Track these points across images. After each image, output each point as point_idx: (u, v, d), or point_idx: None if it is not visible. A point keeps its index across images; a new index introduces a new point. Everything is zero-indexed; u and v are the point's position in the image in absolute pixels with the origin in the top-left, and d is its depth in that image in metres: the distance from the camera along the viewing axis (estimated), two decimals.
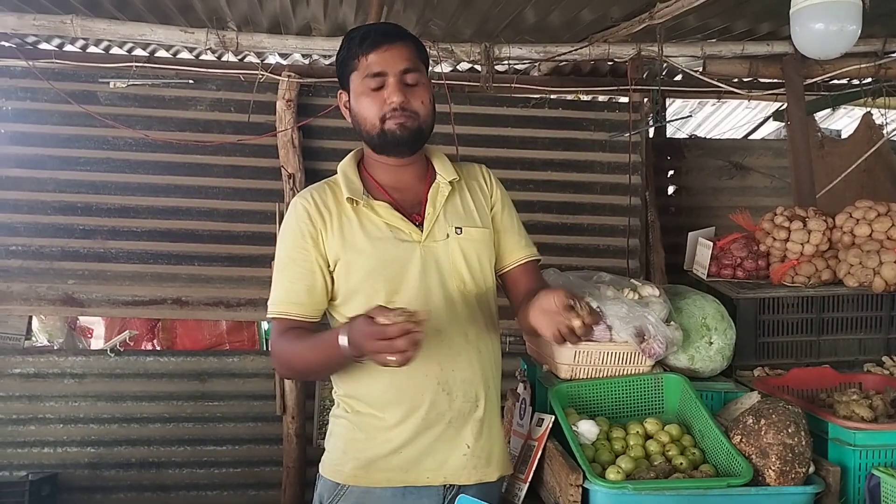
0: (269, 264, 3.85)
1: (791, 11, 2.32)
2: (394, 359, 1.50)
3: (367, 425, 1.88)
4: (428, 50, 3.39)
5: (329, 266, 1.83)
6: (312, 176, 3.94)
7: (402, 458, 1.86)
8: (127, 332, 3.92)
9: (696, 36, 3.91)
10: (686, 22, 3.52)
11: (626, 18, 3.43)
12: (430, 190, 1.92)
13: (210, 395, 3.98)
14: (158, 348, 4.00)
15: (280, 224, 3.82)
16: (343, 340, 1.58)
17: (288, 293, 1.83)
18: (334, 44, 3.63)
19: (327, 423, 3.13)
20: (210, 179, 3.95)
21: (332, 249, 1.82)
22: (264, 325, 3.98)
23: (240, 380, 4.01)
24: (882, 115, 4.13)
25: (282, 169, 3.89)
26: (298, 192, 3.77)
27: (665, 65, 3.77)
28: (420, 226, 1.87)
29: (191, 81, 3.94)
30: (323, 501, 1.94)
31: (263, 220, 3.95)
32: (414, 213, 1.90)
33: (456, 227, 1.91)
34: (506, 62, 3.75)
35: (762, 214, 2.91)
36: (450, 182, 1.93)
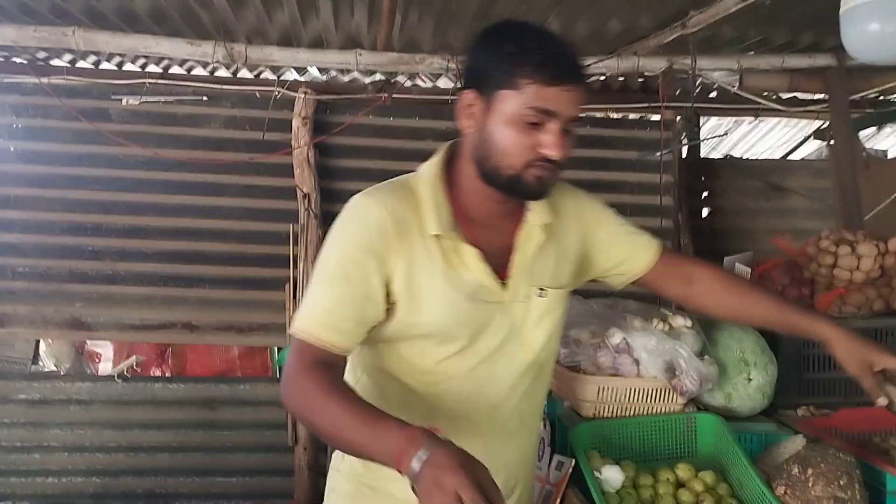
0: (283, 288, 3.79)
1: (841, 11, 2.10)
2: None
3: (384, 498, 1.60)
4: (447, 63, 3.19)
5: (388, 297, 1.49)
6: (328, 196, 3.80)
7: None
8: (135, 357, 3.79)
9: (733, 48, 3.70)
10: (721, 33, 3.32)
11: (657, 29, 3.24)
12: (521, 235, 1.60)
13: (220, 424, 3.82)
14: (167, 374, 3.86)
15: (293, 245, 3.77)
16: (415, 464, 1.16)
17: (332, 315, 1.45)
18: (347, 57, 3.49)
19: None
20: (223, 199, 3.82)
21: (399, 282, 1.48)
22: (276, 353, 3.81)
23: (251, 408, 3.84)
24: None
25: (297, 188, 3.74)
26: (313, 211, 3.72)
27: (699, 79, 3.56)
28: (505, 282, 1.56)
29: (204, 98, 3.82)
30: None
31: (277, 242, 3.80)
32: (500, 262, 1.57)
33: (540, 288, 1.61)
34: None
35: (804, 238, 2.69)
36: (542, 226, 1.61)
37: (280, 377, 3.68)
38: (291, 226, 3.76)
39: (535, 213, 1.58)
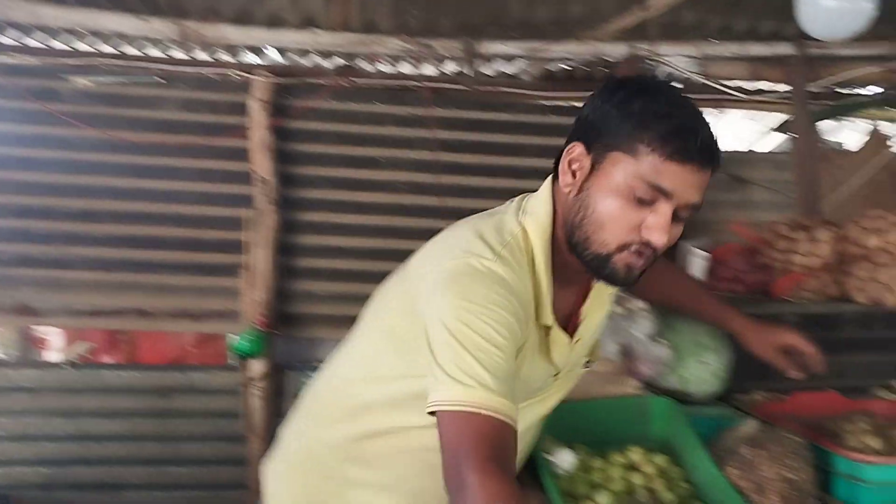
0: (239, 273, 3.71)
1: None
2: None
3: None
4: (405, 45, 3.13)
5: None
6: (286, 181, 3.72)
7: None
8: (85, 343, 3.68)
9: (694, 35, 3.69)
10: (682, 19, 3.31)
11: (618, 13, 3.22)
12: (584, 308, 1.48)
13: (173, 413, 3.73)
14: (119, 362, 3.77)
15: (249, 231, 3.68)
16: None
17: (502, 368, 1.20)
18: (305, 37, 3.42)
19: None
20: (178, 183, 3.72)
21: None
22: (232, 339, 3.73)
23: (205, 396, 3.75)
24: (891, 126, 3.91)
25: (253, 173, 3.66)
26: (271, 197, 3.64)
27: (660, 66, 3.54)
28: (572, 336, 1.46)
29: (160, 80, 3.73)
30: None
31: (234, 227, 3.72)
32: (564, 326, 1.46)
33: (587, 361, 1.57)
34: (491, 62, 3.54)
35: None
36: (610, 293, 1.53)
37: (234, 365, 3.62)
38: (247, 211, 3.69)
39: (601, 287, 1.48)
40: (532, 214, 1.38)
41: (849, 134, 5.37)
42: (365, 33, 3.51)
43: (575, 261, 1.36)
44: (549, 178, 1.43)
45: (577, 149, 1.32)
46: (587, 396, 2.02)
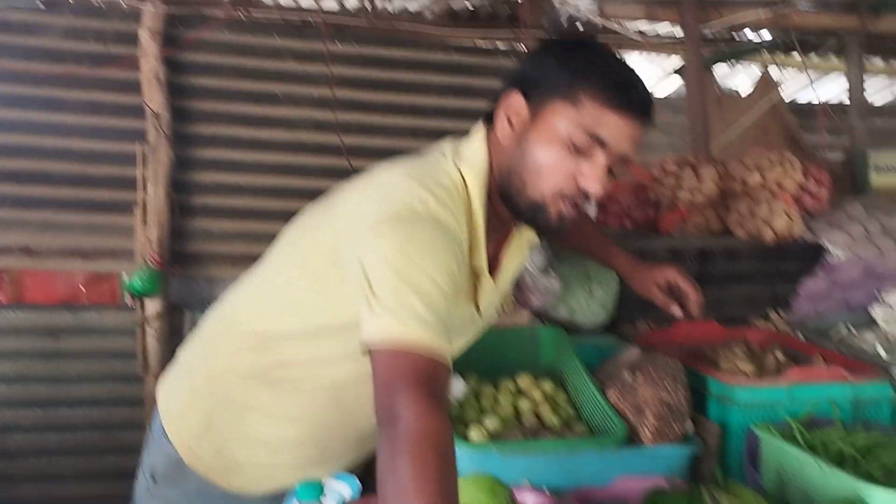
0: (132, 210, 3.59)
1: None
2: None
3: (249, 432, 1.57)
4: None
5: None
6: (180, 115, 3.60)
7: (265, 477, 1.61)
8: None
9: None
10: None
11: None
12: (505, 253, 1.51)
13: (64, 354, 3.62)
14: (4, 302, 3.62)
15: (142, 167, 3.56)
16: None
17: (440, 305, 1.22)
18: None
19: None
20: (64, 116, 3.55)
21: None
22: (125, 279, 3.62)
23: (98, 336, 3.66)
24: (780, 70, 4.06)
25: (145, 107, 3.53)
26: (163, 131, 3.52)
27: (560, 7, 3.56)
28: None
29: (41, 6, 3.52)
30: (158, 476, 1.65)
31: (125, 163, 3.58)
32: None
33: (502, 306, 1.67)
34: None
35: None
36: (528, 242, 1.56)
37: (127, 304, 3.53)
38: (140, 145, 3.56)
39: (521, 233, 1.51)
40: (468, 161, 1.39)
41: (742, 79, 5.55)
42: None
43: (504, 209, 1.39)
44: (481, 123, 1.43)
45: (516, 98, 1.33)
46: None
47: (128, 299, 3.64)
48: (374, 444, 1.59)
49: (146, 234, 3.54)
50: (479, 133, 1.42)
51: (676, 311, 1.81)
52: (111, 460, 3.65)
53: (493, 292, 1.50)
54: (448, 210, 1.30)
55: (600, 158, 1.28)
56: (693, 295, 1.84)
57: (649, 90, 1.32)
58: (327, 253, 1.35)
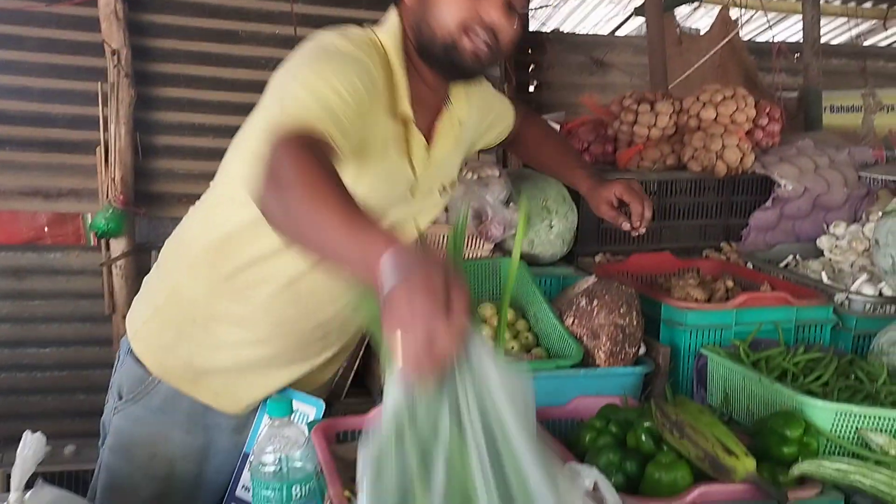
0: (93, 151, 3.57)
1: None
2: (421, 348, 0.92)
3: (217, 332, 1.64)
4: None
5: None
6: (140, 53, 3.56)
7: (238, 388, 1.68)
8: None
9: None
10: None
11: None
12: (439, 125, 1.59)
13: (29, 294, 3.63)
14: None
15: (102, 106, 3.52)
16: (386, 263, 0.96)
17: (332, 101, 1.26)
18: None
19: None
20: (20, 53, 3.49)
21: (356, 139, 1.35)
22: (89, 219, 3.62)
23: (63, 277, 3.67)
24: (739, 11, 4.11)
25: (104, 45, 3.48)
26: (124, 69, 3.48)
27: None
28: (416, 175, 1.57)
29: None
30: (123, 393, 1.72)
31: (85, 102, 3.55)
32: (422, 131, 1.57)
33: (443, 185, 1.66)
34: None
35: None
36: (460, 121, 1.62)
37: (92, 244, 3.53)
38: (99, 84, 3.52)
39: (456, 107, 1.57)
40: (382, 27, 1.50)
41: (704, 20, 5.60)
42: None
43: (429, 74, 1.48)
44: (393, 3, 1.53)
45: None
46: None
47: (92, 240, 3.65)
48: (336, 350, 1.68)
49: (109, 175, 3.52)
50: (391, 10, 1.52)
51: (625, 225, 1.89)
52: (81, 398, 3.70)
53: (426, 153, 1.56)
54: (360, 49, 1.39)
55: None
56: (637, 207, 1.89)
57: None
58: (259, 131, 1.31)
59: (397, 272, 0.94)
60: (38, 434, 1.54)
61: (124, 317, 3.52)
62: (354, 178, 1.36)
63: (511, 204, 2.16)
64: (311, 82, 1.29)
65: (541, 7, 4.69)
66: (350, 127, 1.29)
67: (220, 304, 1.61)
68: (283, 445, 1.32)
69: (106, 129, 3.53)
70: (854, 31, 5.75)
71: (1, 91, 3.49)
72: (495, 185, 2.16)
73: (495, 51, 1.43)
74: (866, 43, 5.92)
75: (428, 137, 1.56)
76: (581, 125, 2.64)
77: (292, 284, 1.56)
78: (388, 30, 1.49)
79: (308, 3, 3.70)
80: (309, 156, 1.14)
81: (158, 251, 3.59)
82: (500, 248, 2.23)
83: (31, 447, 1.52)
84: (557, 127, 2.66)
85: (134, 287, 3.60)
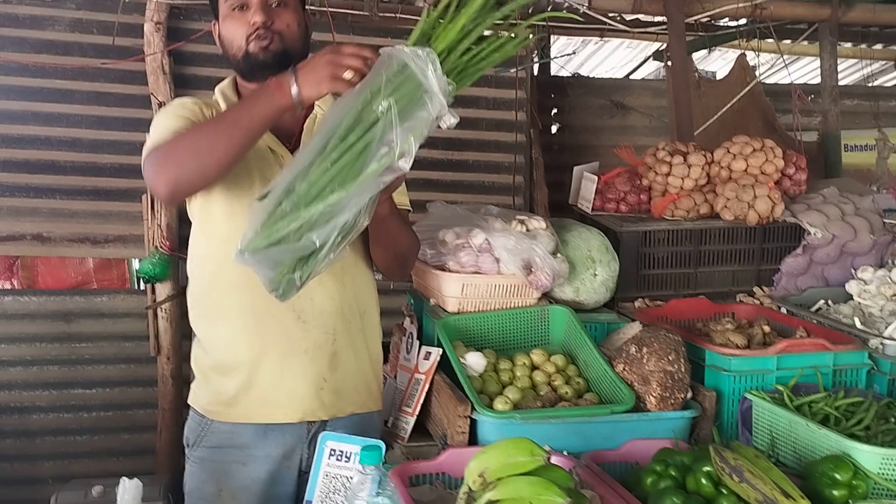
0: (139, 198, 3.71)
1: None
2: (356, 64, 1.44)
3: (220, 355, 1.85)
4: None
5: None
6: None
7: (258, 392, 1.82)
8: None
9: None
10: None
11: None
12: (307, 121, 1.87)
13: (77, 337, 3.76)
14: (18, 287, 3.74)
15: None
16: (290, 81, 1.50)
17: (174, 128, 1.72)
18: None
19: None
20: (72, 107, 3.66)
21: None
22: (135, 264, 3.76)
23: (109, 320, 3.80)
24: (756, 56, 4.25)
25: (151, 97, 3.64)
26: None
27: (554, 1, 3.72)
28: (293, 152, 1.80)
29: None
30: (190, 441, 1.92)
31: (131, 152, 3.68)
32: (290, 141, 1.85)
33: None
34: None
35: (644, 151, 2.95)
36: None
37: (138, 287, 3.67)
38: (147, 135, 3.67)
39: (321, 105, 1.84)
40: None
41: (717, 62, 5.75)
42: None
43: (252, 85, 1.79)
44: None
45: (216, 25, 1.83)
46: (495, 307, 2.25)
47: (137, 283, 3.78)
48: (330, 338, 1.85)
49: (156, 221, 3.67)
50: None
51: None
52: (126, 438, 3.82)
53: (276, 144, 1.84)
54: (183, 105, 1.82)
55: (252, 1, 1.72)
56: None
57: None
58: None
59: (291, 76, 1.50)
60: (136, 481, 1.66)
61: (168, 358, 3.69)
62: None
63: (558, 255, 2.28)
64: (162, 124, 1.74)
65: (563, 55, 4.83)
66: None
67: (202, 317, 1.88)
68: (357, 490, 1.44)
69: None
70: (865, 72, 5.91)
71: (52, 142, 3.66)
72: (543, 236, 2.28)
73: (282, 41, 1.75)
74: (877, 83, 6.07)
75: (300, 130, 1.86)
76: (617, 176, 2.77)
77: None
78: (224, 82, 1.91)
79: None
80: (184, 134, 1.64)
81: None
82: (545, 296, 2.35)
83: (129, 492, 1.64)
84: (594, 177, 2.79)
85: (178, 329, 3.74)
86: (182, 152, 1.59)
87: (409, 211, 1.99)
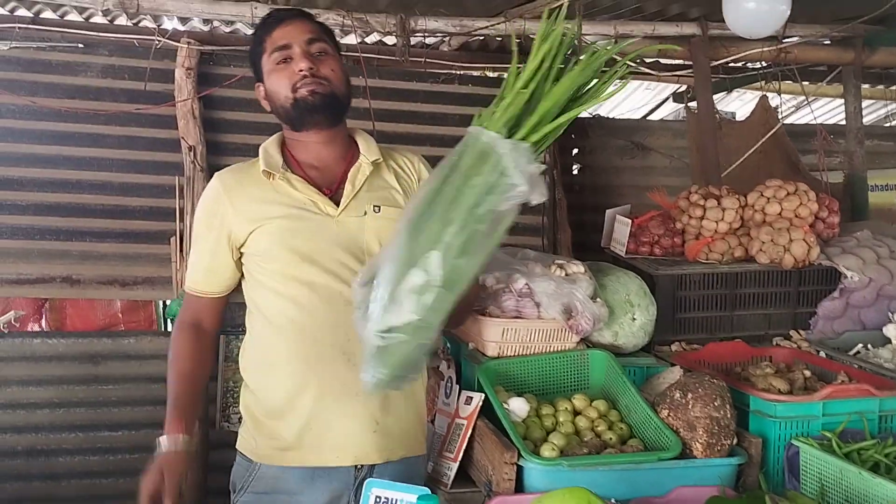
0: (168, 241, 3.74)
1: None
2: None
3: (272, 401, 1.86)
4: (342, 20, 3.41)
5: (238, 244, 1.85)
6: (214, 148, 3.76)
7: (309, 435, 1.82)
8: (12, 312, 3.65)
9: (605, 16, 3.93)
10: (600, 1, 3.54)
11: None
12: (351, 169, 1.89)
13: (104, 379, 3.75)
14: (46, 329, 3.75)
15: (179, 198, 3.71)
16: (162, 441, 1.86)
17: (193, 270, 1.94)
18: (242, 9, 3.45)
19: (230, 406, 3.12)
20: (103, 150, 3.69)
21: (241, 225, 1.83)
22: (161, 305, 3.78)
23: (136, 362, 3.79)
24: (778, 97, 4.29)
25: (181, 140, 3.68)
26: (199, 164, 3.68)
27: (575, 43, 3.76)
28: (337, 201, 1.84)
29: (80, 45, 3.68)
30: (236, 486, 1.92)
31: (161, 195, 3.74)
32: (332, 189, 1.87)
33: (374, 205, 1.87)
34: (420, 35, 3.67)
35: (669, 193, 2.97)
36: (372, 162, 1.89)
37: (165, 329, 3.68)
38: (178, 178, 3.71)
39: (366, 154, 1.88)
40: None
41: (735, 104, 5.80)
42: (304, 6, 3.52)
43: (311, 136, 1.85)
44: None
45: (260, 87, 1.90)
46: (535, 352, 2.25)
47: (165, 325, 3.79)
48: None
49: (184, 263, 3.68)
50: None
51: None
52: None
53: (351, 192, 1.86)
54: (205, 203, 1.93)
55: (294, 52, 1.79)
56: None
57: (289, 8, 1.94)
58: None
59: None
60: None
61: None
62: (260, 234, 1.81)
63: (597, 299, 2.28)
64: (191, 260, 1.95)
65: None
66: (220, 255, 1.87)
67: (251, 359, 1.94)
68: None
69: (181, 219, 3.71)
70: (881, 112, 5.95)
71: (83, 186, 3.69)
72: (582, 281, 2.29)
73: (330, 85, 1.81)
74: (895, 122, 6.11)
75: (342, 179, 1.88)
76: (650, 219, 2.78)
77: (298, 313, 1.83)
78: (269, 141, 1.95)
79: (377, 99, 3.88)
80: (180, 345, 1.95)
81: (226, 336, 3.79)
82: (584, 340, 2.35)
83: None
84: (627, 220, 2.80)
85: None
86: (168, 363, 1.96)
87: None
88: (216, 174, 1.96)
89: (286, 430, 1.83)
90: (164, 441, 1.83)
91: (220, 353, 3.77)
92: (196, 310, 1.95)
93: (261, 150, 1.93)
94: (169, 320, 3.70)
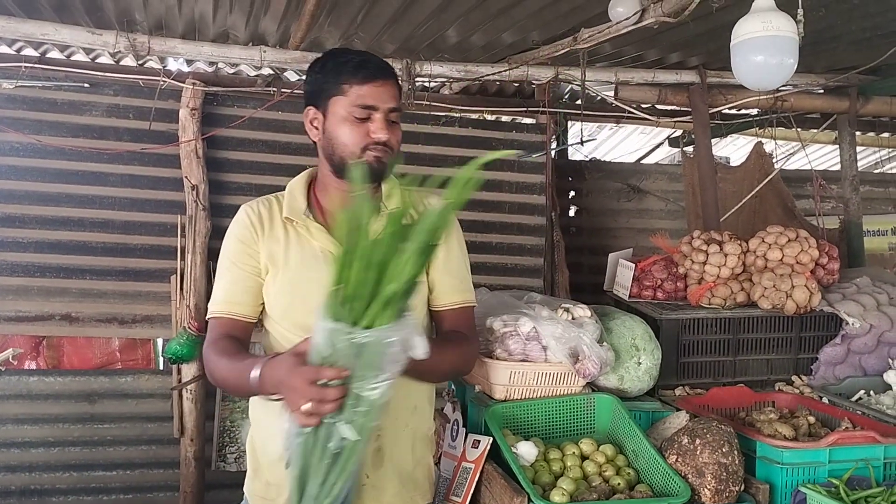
0: (168, 279, 3.74)
1: (732, 43, 2.42)
2: (309, 407, 1.40)
3: (265, 446, 1.87)
4: None
5: (263, 274, 1.85)
6: (217, 187, 3.79)
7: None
8: (10, 350, 3.63)
9: (604, 63, 4.01)
10: (601, 49, 3.61)
11: (546, 42, 3.48)
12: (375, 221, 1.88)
13: (100, 417, 3.74)
14: (44, 367, 3.73)
15: (180, 237, 3.73)
16: (255, 373, 1.58)
17: (228, 293, 1.84)
18: (251, 53, 3.50)
19: (227, 446, 3.09)
20: (106, 189, 3.73)
21: (264, 260, 1.83)
22: (160, 343, 3.78)
23: (133, 401, 3.79)
24: (774, 143, 4.36)
25: (185, 179, 3.71)
26: (201, 203, 3.70)
27: (569, 88, 3.83)
28: None
29: (86, 85, 3.72)
30: None
31: (163, 233, 3.76)
32: None
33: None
34: (425, 79, 3.74)
35: (661, 235, 3.01)
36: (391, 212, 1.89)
37: (162, 368, 3.68)
38: (179, 217, 3.73)
39: (386, 204, 1.87)
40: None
41: (728, 149, 5.88)
42: (310, 51, 3.56)
43: (341, 185, 1.83)
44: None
45: (310, 110, 1.83)
46: (542, 395, 2.26)
47: (162, 364, 3.78)
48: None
49: (185, 302, 3.69)
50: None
51: None
52: None
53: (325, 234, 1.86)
54: (252, 206, 1.88)
55: (377, 116, 1.76)
56: None
57: (378, 59, 1.83)
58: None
59: (264, 368, 1.56)
60: None
61: (192, 440, 3.66)
62: (274, 279, 1.83)
63: (604, 343, 2.29)
64: (218, 281, 1.87)
65: (588, 140, 4.93)
66: (249, 283, 1.83)
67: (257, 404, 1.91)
68: None
69: (182, 258, 3.72)
70: (871, 159, 6.05)
71: (84, 223, 3.71)
72: (588, 324, 2.30)
73: (391, 154, 1.80)
74: (884, 169, 6.22)
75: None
76: (653, 263, 2.81)
77: None
78: (297, 181, 1.93)
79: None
80: (216, 354, 1.75)
81: None
82: (589, 384, 2.36)
83: None
84: (630, 264, 2.83)
85: (203, 411, 3.72)
86: (216, 379, 1.78)
87: (472, 306, 1.99)
88: (244, 206, 1.91)
89: (272, 478, 1.85)
90: (257, 369, 1.59)
91: (217, 392, 3.76)
92: (226, 329, 1.82)
93: (287, 190, 1.91)
94: (164, 358, 3.68)
